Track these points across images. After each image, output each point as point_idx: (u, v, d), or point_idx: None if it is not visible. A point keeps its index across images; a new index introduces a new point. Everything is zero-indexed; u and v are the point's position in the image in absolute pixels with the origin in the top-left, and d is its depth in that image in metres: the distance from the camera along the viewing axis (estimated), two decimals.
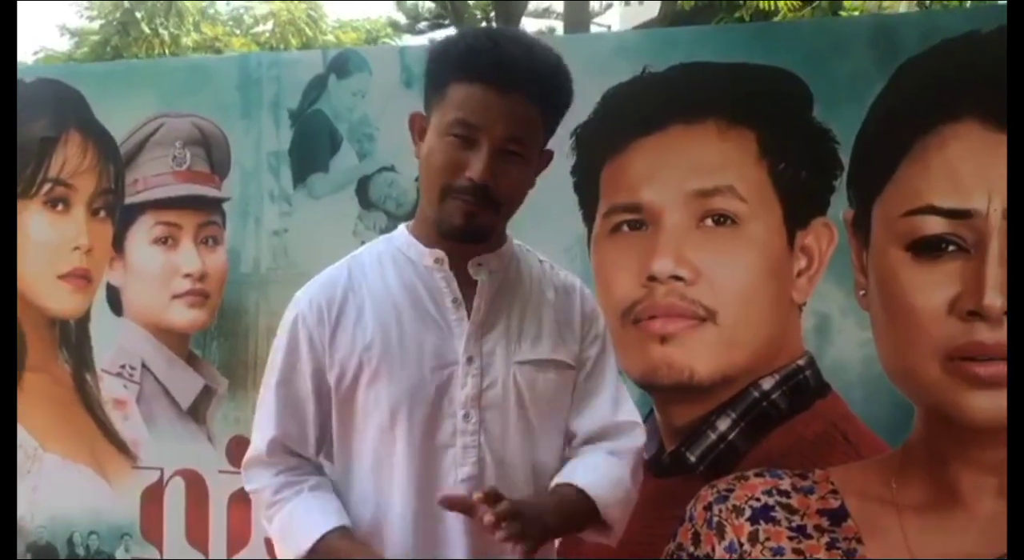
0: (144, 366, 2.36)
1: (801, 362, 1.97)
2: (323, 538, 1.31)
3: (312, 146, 2.29)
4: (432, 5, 12.54)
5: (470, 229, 1.30)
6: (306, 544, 1.31)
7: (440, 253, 1.34)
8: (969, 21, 1.91)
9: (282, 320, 1.38)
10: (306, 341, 1.34)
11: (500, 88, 1.25)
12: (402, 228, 1.40)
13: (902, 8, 6.85)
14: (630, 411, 1.47)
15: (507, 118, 1.26)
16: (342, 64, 2.29)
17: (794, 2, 6.01)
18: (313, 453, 1.39)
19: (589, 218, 2.09)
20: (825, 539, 1.73)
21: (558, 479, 1.37)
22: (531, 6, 9.61)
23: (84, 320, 2.41)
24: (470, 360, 1.32)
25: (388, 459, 1.32)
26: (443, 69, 1.30)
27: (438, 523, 1.32)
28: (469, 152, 1.25)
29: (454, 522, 1.31)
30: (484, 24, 11.52)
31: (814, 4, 6.26)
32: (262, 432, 1.38)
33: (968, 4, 6.38)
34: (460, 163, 1.26)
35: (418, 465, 1.32)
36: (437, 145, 1.27)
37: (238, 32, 15.29)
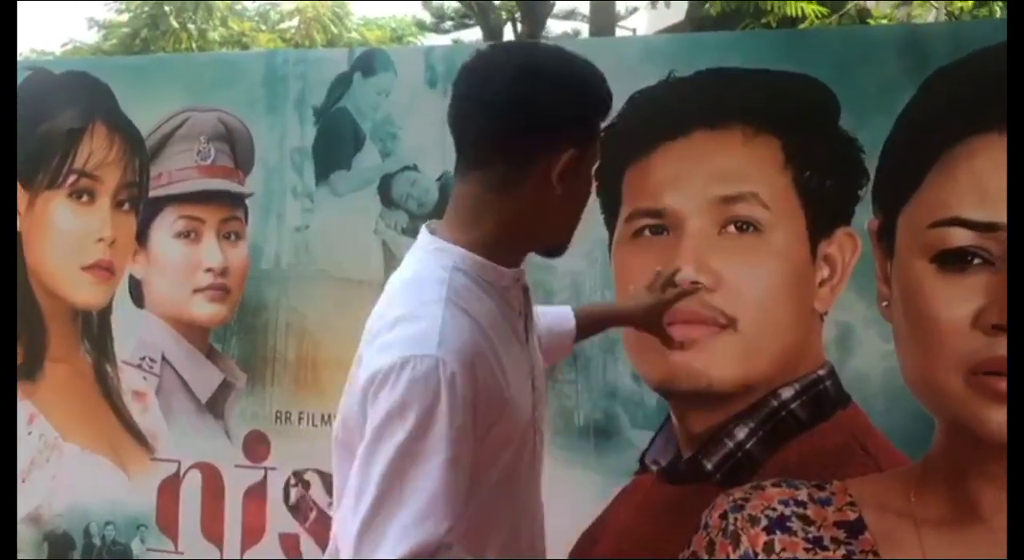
0: (164, 359, 2.37)
1: (822, 372, 1.96)
2: None
3: (335, 144, 2.30)
4: (458, 5, 12.55)
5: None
6: None
7: (520, 272, 1.32)
8: (1000, 32, 1.88)
9: (409, 396, 1.12)
10: (467, 405, 1.14)
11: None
12: (458, 252, 1.24)
13: (931, 17, 6.79)
14: None
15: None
16: (367, 63, 2.29)
17: (821, 8, 5.97)
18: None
19: (611, 222, 2.09)
20: (841, 551, 1.72)
21: (564, 321, 1.65)
22: (557, 7, 9.58)
23: (106, 312, 2.42)
24: (532, 368, 1.33)
25: (514, 488, 1.27)
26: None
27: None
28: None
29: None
30: (509, 24, 11.52)
31: (842, 11, 6.21)
32: (439, 518, 1.11)
33: (998, 15, 6.32)
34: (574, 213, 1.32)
35: (534, 484, 1.35)
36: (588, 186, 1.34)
37: (264, 28, 15.36)
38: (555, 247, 1.33)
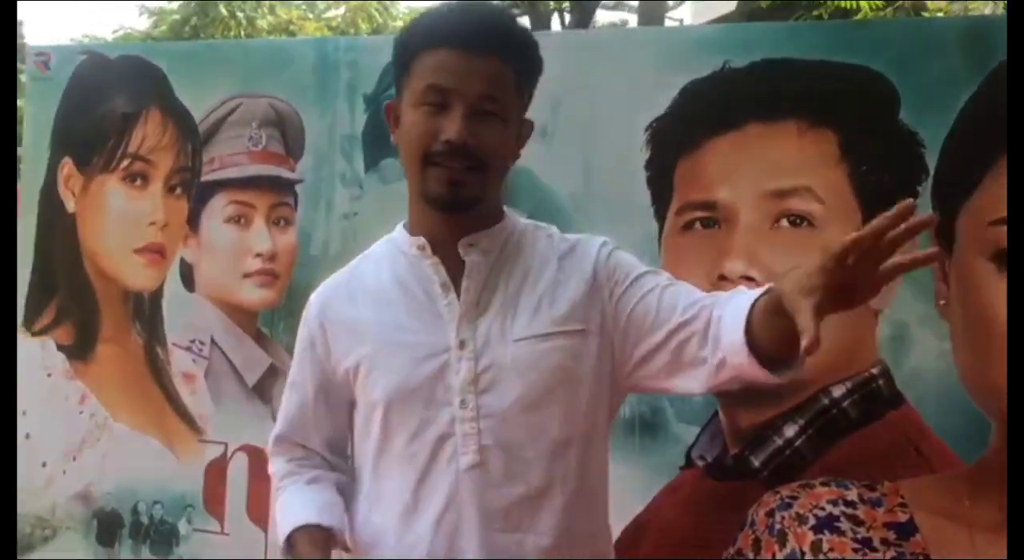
0: (213, 342, 2.40)
1: (874, 371, 1.92)
2: (292, 533, 1.34)
3: (385, 131, 2.27)
4: None
5: (456, 197, 1.27)
6: (281, 536, 1.36)
7: (421, 240, 1.34)
8: None
9: None
10: (308, 342, 1.40)
11: (468, 49, 1.25)
12: (401, 224, 1.42)
13: (987, 10, 6.64)
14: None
15: (478, 76, 1.24)
16: None
17: (876, 1, 5.86)
18: (322, 448, 1.45)
19: (661, 215, 2.06)
20: (891, 553, 1.69)
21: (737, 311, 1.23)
22: None
23: (157, 294, 2.46)
24: (462, 344, 1.29)
25: (388, 453, 1.32)
26: (407, 45, 1.29)
27: (443, 516, 1.29)
28: (443, 118, 1.24)
29: (460, 515, 1.28)
30: (557, 14, 11.47)
31: (896, 4, 6.09)
32: (276, 425, 1.50)
33: None
34: (435, 129, 1.24)
35: (419, 457, 1.29)
36: (410, 117, 1.27)
37: (311, 16, 15.47)
38: (434, 199, 1.29)
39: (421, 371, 1.29)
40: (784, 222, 1.95)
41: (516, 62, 1.29)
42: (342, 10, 15.71)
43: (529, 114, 2.20)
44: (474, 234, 1.33)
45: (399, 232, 1.40)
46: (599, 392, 1.34)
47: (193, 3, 13.56)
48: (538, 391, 1.29)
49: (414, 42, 1.28)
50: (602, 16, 12.65)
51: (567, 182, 2.14)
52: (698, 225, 2.02)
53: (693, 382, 1.31)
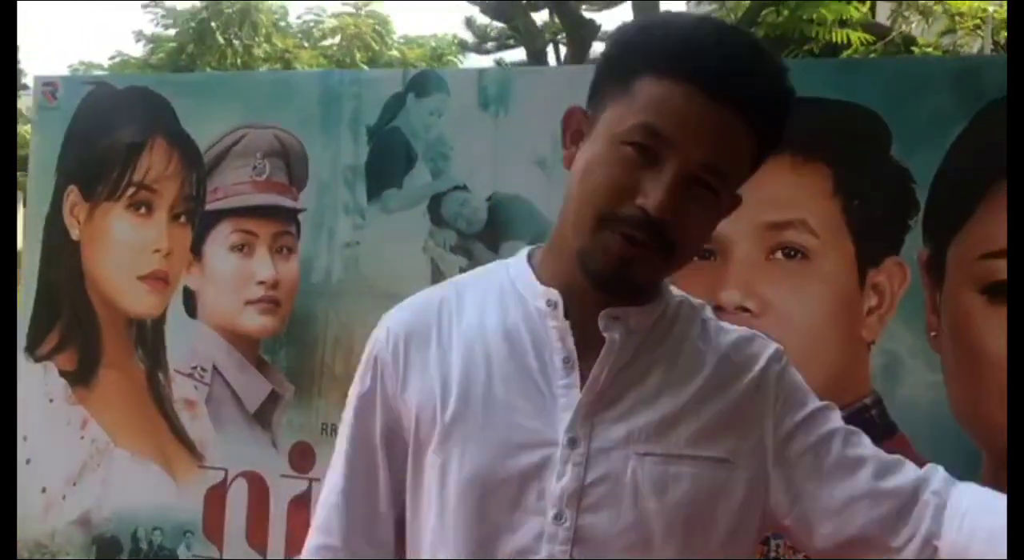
0: (215, 369, 2.42)
1: (868, 401, 1.95)
2: None
3: (388, 162, 2.34)
4: (501, 25, 12.67)
5: (623, 277, 0.96)
6: None
7: (553, 294, 1.01)
8: None
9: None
10: (379, 379, 1.06)
11: (714, 96, 0.91)
12: (521, 254, 1.08)
13: (976, 45, 6.76)
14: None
15: (713, 136, 0.92)
16: (421, 84, 2.34)
17: (867, 36, 5.96)
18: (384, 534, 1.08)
19: None
20: None
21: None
22: (603, 30, 9.64)
23: (160, 321, 2.48)
24: (573, 442, 0.98)
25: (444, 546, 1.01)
26: (633, 56, 0.96)
27: None
28: (648, 172, 0.93)
29: None
30: (552, 48, 11.56)
31: (887, 39, 6.20)
32: (321, 527, 1.08)
33: None
34: (632, 185, 0.93)
35: None
36: (604, 155, 0.95)
37: (307, 45, 15.60)
38: (595, 269, 0.97)
39: (513, 462, 0.98)
40: (779, 254, 1.99)
41: (765, 125, 0.97)
42: (338, 38, 15.84)
43: (528, 146, 2.28)
44: (623, 307, 1.00)
45: (521, 268, 1.06)
46: (735, 541, 1.02)
47: (190, 31, 13.67)
48: (655, 526, 0.98)
49: (643, 57, 0.95)
50: (599, 48, 12.79)
51: None
52: (695, 257, 2.05)
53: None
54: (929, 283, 1.90)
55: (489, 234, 2.26)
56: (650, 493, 0.98)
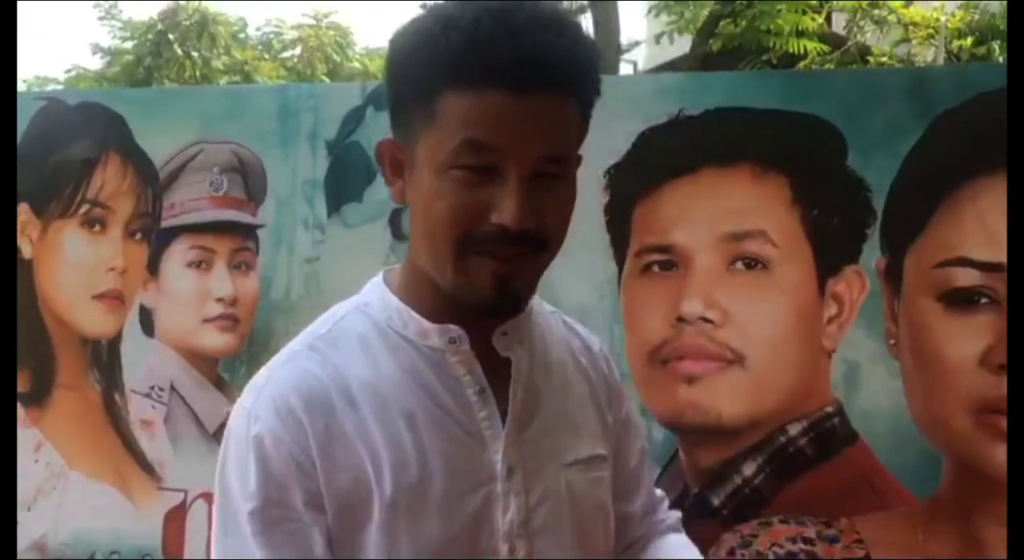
0: (173, 388, 2.38)
1: (830, 409, 1.97)
2: None
3: (347, 176, 2.32)
4: None
5: (507, 295, 0.91)
6: None
7: (457, 330, 0.94)
8: (1004, 76, 1.92)
9: (228, 451, 0.93)
10: (293, 471, 0.90)
11: (523, 89, 0.85)
12: (379, 288, 0.99)
13: (930, 55, 6.87)
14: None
15: (539, 129, 0.87)
16: (380, 97, 2.32)
17: (823, 46, 6.04)
18: None
19: (620, 257, 2.11)
20: None
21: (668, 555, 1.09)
22: None
23: (116, 340, 2.43)
24: (511, 472, 0.95)
25: None
26: (425, 76, 0.88)
27: None
28: (490, 187, 0.87)
29: None
30: None
31: (843, 48, 6.29)
32: None
33: (997, 53, 6.40)
34: (479, 205, 0.87)
35: None
36: (437, 187, 0.88)
37: (267, 57, 15.49)
38: (474, 302, 0.91)
39: (460, 512, 0.92)
40: (739, 264, 2.00)
41: (582, 91, 0.90)
42: (299, 50, 15.76)
43: None
44: (509, 320, 0.97)
45: (393, 306, 0.97)
46: (609, 531, 1.06)
47: (147, 43, 13.51)
48: (587, 535, 1.00)
49: (439, 72, 0.87)
50: None
51: None
52: (656, 267, 2.06)
53: None
54: (887, 291, 1.92)
55: None
56: (580, 500, 0.99)
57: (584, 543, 0.99)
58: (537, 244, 0.90)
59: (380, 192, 2.30)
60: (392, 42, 0.93)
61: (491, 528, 0.94)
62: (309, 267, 2.33)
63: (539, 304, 1.05)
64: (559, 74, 0.87)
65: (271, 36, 15.96)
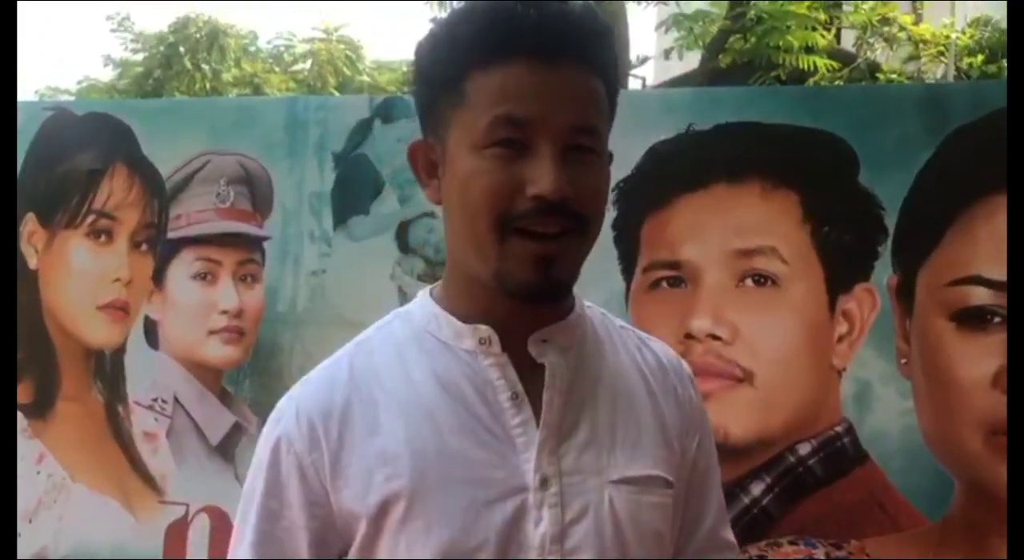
0: (176, 400, 2.36)
1: (839, 429, 1.94)
2: None
3: (354, 189, 2.31)
4: None
5: (550, 280, 0.89)
6: None
7: (486, 330, 0.93)
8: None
9: (260, 440, 0.98)
10: (296, 475, 0.93)
11: (552, 59, 0.87)
12: (424, 298, 0.99)
13: (939, 71, 6.86)
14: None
15: (568, 99, 0.87)
16: (388, 110, 2.32)
17: (833, 62, 6.03)
18: None
19: (628, 273, 2.09)
20: None
21: None
22: None
23: (120, 352, 2.42)
24: (545, 483, 0.91)
25: None
26: (454, 60, 0.89)
27: None
28: (525, 162, 0.87)
29: None
30: None
31: (853, 65, 6.27)
32: None
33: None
34: (516, 180, 0.86)
35: None
36: (473, 167, 0.88)
37: (277, 69, 15.56)
38: (517, 285, 0.89)
39: (486, 521, 0.89)
40: (749, 281, 1.98)
41: (607, 72, 0.91)
42: (309, 63, 15.83)
43: None
44: (549, 327, 0.95)
45: (431, 312, 0.97)
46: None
47: (158, 55, 13.58)
48: (635, 556, 0.94)
49: (466, 55, 0.88)
50: None
51: None
52: (665, 284, 2.04)
53: None
54: (899, 310, 1.89)
55: None
56: (627, 522, 0.93)
57: None
58: (576, 220, 0.89)
59: (387, 205, 2.29)
60: (417, 48, 0.95)
61: (521, 541, 0.90)
62: (315, 280, 2.32)
63: (601, 316, 1.03)
64: (582, 43, 0.88)
65: (281, 49, 16.04)
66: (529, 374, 0.93)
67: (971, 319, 1.78)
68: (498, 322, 0.93)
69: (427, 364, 0.94)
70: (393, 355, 0.96)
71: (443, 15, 0.97)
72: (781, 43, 5.74)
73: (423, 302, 0.99)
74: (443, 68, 0.90)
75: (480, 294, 0.93)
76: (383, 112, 2.32)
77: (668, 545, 0.98)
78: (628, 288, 2.08)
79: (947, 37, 6.60)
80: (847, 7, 6.86)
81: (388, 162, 2.29)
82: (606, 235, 2.09)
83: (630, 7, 6.77)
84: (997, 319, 1.77)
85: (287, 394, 0.99)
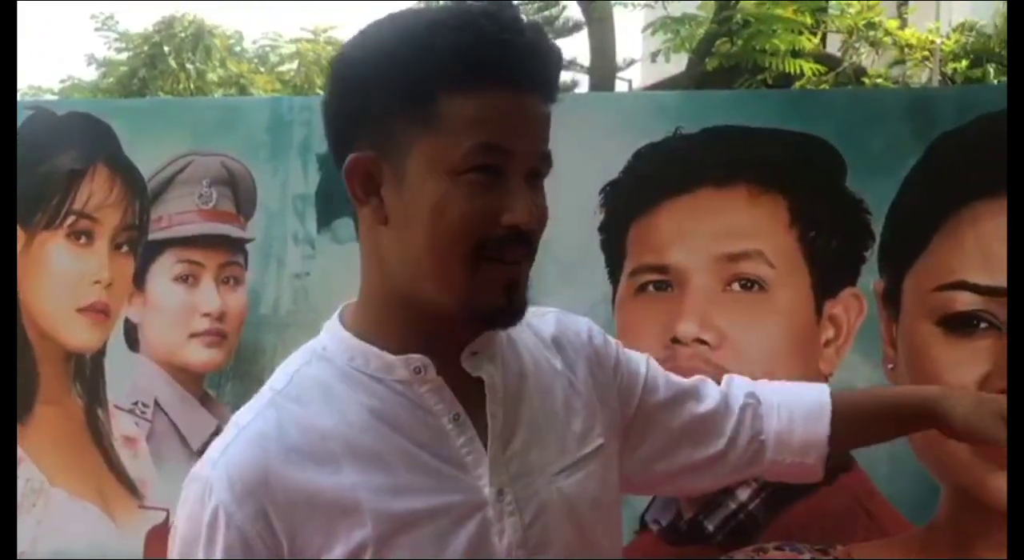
0: (157, 404, 2.33)
1: None
2: None
3: (339, 191, 2.26)
4: None
5: (514, 307, 0.91)
6: None
7: (420, 358, 0.92)
8: (1004, 97, 1.89)
9: (180, 520, 0.94)
10: (239, 550, 0.88)
11: (522, 88, 0.88)
12: (336, 331, 0.98)
13: (924, 75, 6.90)
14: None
15: (535, 129, 0.90)
16: None
17: (819, 66, 6.05)
18: None
19: (615, 277, 2.07)
20: None
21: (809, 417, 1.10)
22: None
23: (100, 355, 2.39)
24: (500, 493, 0.93)
25: None
26: (423, 77, 0.86)
27: None
28: (496, 188, 0.88)
29: None
30: None
31: (839, 69, 6.30)
32: None
33: (992, 76, 6.42)
34: (491, 208, 0.87)
35: None
36: (450, 191, 0.87)
37: (263, 70, 15.50)
38: (488, 311, 0.90)
39: (455, 546, 0.90)
40: (736, 286, 1.97)
41: (554, 90, 0.94)
42: (296, 64, 15.77)
43: None
44: (476, 339, 0.96)
45: (352, 346, 0.95)
46: (616, 510, 1.07)
47: (143, 55, 13.50)
48: (583, 536, 0.98)
49: (439, 73, 0.86)
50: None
51: None
52: (651, 288, 2.03)
53: (710, 480, 1.14)
54: (885, 315, 1.89)
55: None
56: (577, 504, 0.97)
57: (585, 544, 0.98)
58: (531, 247, 0.92)
59: None
60: (354, 52, 0.92)
61: (489, 552, 0.92)
62: (298, 282, 2.29)
63: None
64: (547, 71, 0.91)
65: (267, 49, 15.99)
66: (463, 389, 0.94)
67: (958, 324, 1.78)
68: (428, 345, 0.93)
69: (359, 401, 0.92)
70: (320, 399, 0.93)
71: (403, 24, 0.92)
72: (767, 47, 5.76)
73: (337, 336, 0.97)
74: (407, 85, 0.87)
75: (410, 319, 0.92)
76: None
77: (611, 501, 1.03)
78: (615, 292, 2.07)
79: (932, 42, 6.64)
80: (833, 11, 6.89)
81: None
82: (593, 239, 2.09)
83: (617, 9, 6.77)
84: (984, 325, 1.76)
85: (204, 464, 0.92)
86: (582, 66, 11.66)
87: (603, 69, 7.08)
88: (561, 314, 1.10)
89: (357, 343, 0.95)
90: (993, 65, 6.50)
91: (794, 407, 1.13)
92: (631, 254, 2.06)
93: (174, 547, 0.92)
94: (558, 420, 0.99)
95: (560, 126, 2.18)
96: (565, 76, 14.10)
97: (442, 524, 0.90)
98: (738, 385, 1.19)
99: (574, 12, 11.07)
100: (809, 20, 6.09)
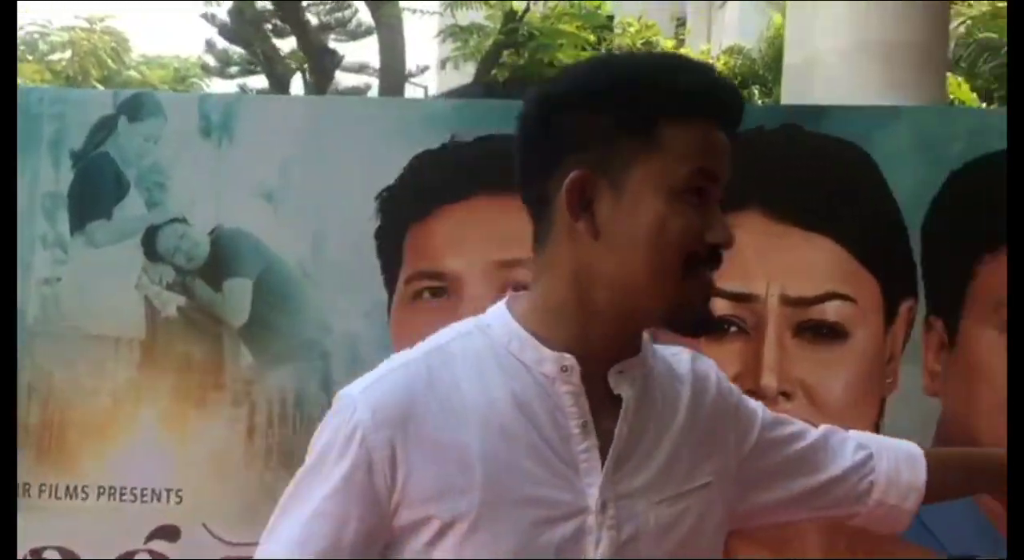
0: None
1: None
2: None
3: (95, 190, 2.13)
4: (244, 51, 12.27)
5: (711, 317, 1.01)
6: None
7: (570, 359, 0.98)
8: (783, 117, 2.04)
9: (324, 427, 1.00)
10: (363, 467, 0.96)
11: (726, 125, 1.00)
12: (502, 313, 1.04)
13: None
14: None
15: (728, 161, 1.00)
16: (135, 107, 2.16)
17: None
18: None
19: (391, 283, 2.06)
20: None
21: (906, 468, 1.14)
22: (347, 61, 9.58)
23: None
24: (604, 507, 0.97)
25: None
26: (650, 105, 0.97)
27: None
28: (701, 211, 0.96)
29: None
30: (300, 74, 11.38)
31: None
32: None
33: (760, 102, 6.92)
34: (698, 227, 0.96)
35: None
36: (671, 208, 0.95)
37: (31, 58, 14.38)
38: (690, 321, 0.99)
39: (547, 538, 0.96)
40: (511, 291, 1.99)
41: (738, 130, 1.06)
42: (68, 54, 14.77)
43: (255, 177, 2.15)
44: (629, 359, 1.02)
45: (514, 332, 1.01)
46: (713, 552, 1.09)
47: None
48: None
49: (665, 104, 0.97)
50: (344, 79, 12.69)
51: (295, 249, 2.08)
52: (427, 294, 2.03)
53: (808, 511, 1.17)
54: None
55: (211, 270, 2.11)
56: (668, 535, 1.01)
57: None
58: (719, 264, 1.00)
59: (133, 209, 2.13)
60: (566, 87, 1.01)
61: (579, 558, 0.97)
62: (48, 289, 2.11)
63: (647, 341, 1.09)
64: (740, 108, 1.03)
65: (36, 36, 14.87)
66: (596, 401, 0.99)
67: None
68: (582, 351, 0.98)
69: (506, 383, 0.99)
70: (473, 368, 1.00)
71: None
72: (553, 60, 5.94)
73: (502, 318, 1.03)
74: (636, 110, 0.97)
75: (579, 322, 0.99)
76: (129, 109, 2.16)
77: (709, 539, 1.06)
78: (390, 298, 2.05)
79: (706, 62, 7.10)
80: (616, 30, 7.21)
81: (134, 163, 2.14)
82: (369, 244, 2.06)
83: (410, 15, 6.78)
84: (734, 329, 1.89)
85: (354, 386, 1.00)
86: (374, 70, 11.60)
87: (392, 74, 7.06)
88: (694, 353, 1.13)
89: (518, 329, 1.01)
90: (757, 87, 7.01)
91: (895, 453, 1.17)
92: (407, 260, 2.05)
93: (312, 455, 0.99)
94: (671, 451, 1.03)
95: (338, 130, 2.15)
96: (357, 80, 13.97)
97: (543, 514, 0.96)
98: (839, 430, 1.20)
99: (366, 16, 10.97)
100: (592, 37, 6.33)
